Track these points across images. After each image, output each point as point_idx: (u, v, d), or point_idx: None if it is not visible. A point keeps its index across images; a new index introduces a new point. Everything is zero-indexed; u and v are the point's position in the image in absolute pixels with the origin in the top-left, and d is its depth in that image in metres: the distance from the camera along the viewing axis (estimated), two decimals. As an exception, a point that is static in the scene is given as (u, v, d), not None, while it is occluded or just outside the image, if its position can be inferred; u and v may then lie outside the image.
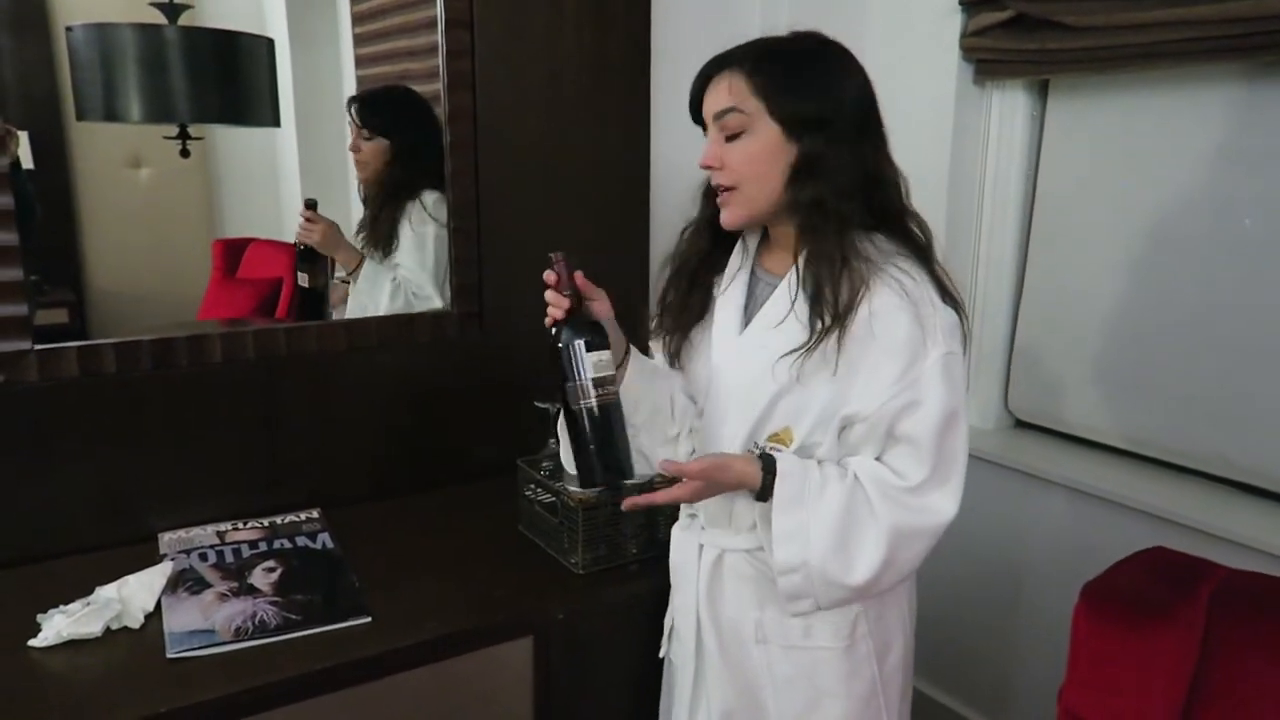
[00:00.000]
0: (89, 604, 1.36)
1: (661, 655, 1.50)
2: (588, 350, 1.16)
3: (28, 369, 1.50)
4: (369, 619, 1.39)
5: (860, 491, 1.17)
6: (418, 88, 1.87)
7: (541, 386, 1.53)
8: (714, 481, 1.19)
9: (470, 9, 1.78)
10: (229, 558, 1.56)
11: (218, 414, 1.68)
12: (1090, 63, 1.77)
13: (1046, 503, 1.95)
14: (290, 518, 1.72)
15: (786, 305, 1.20)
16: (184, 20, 1.69)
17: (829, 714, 1.30)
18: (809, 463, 1.20)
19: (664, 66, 2.06)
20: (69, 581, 1.43)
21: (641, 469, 1.31)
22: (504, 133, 1.87)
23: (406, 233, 1.89)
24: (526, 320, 1.89)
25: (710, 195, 1.27)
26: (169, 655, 1.28)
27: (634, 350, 1.38)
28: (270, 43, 1.81)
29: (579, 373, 1.16)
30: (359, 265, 1.89)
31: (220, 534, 1.65)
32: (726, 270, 1.32)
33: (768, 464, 1.19)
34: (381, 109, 1.90)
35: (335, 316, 1.90)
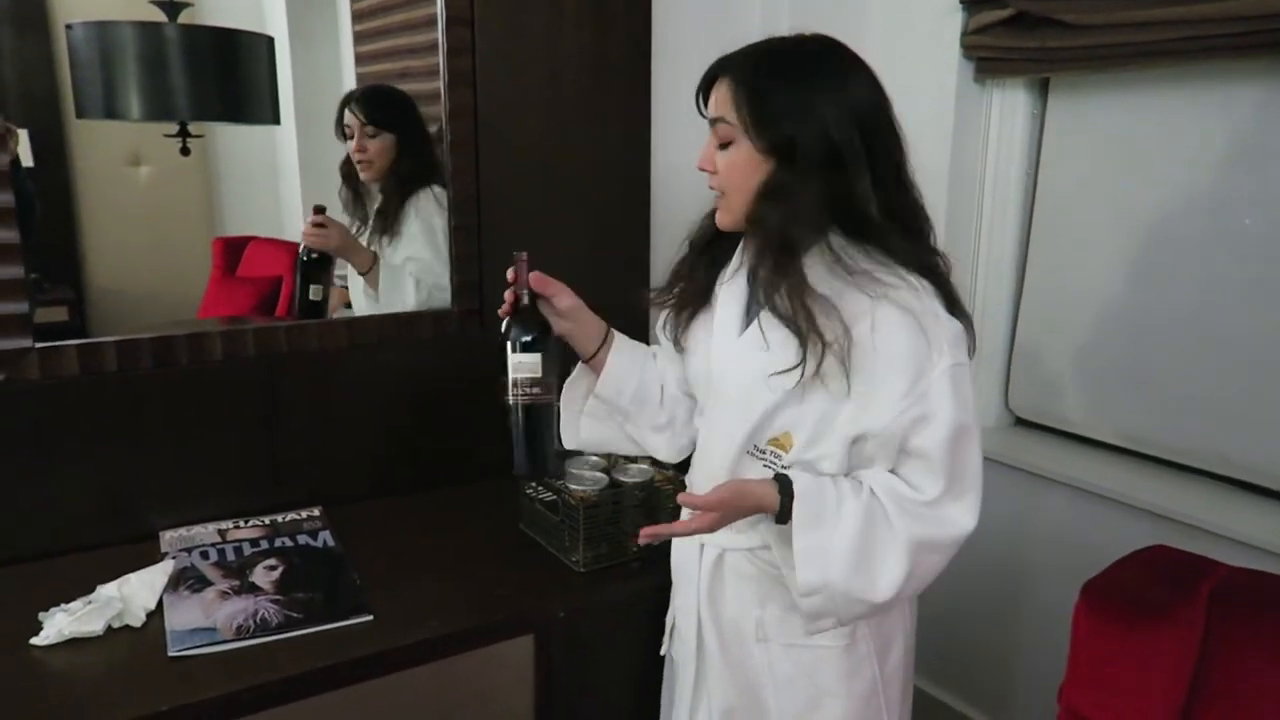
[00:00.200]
0: (90, 602, 1.36)
1: (663, 653, 1.50)
2: (514, 351, 1.26)
3: (28, 367, 1.50)
4: (370, 617, 1.39)
5: (878, 507, 1.16)
6: (418, 85, 1.87)
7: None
8: (733, 510, 1.18)
9: (471, 7, 1.78)
10: (230, 556, 1.56)
11: (219, 412, 1.68)
12: (1091, 61, 1.76)
13: (1047, 501, 1.95)
14: (291, 516, 1.72)
15: (774, 322, 1.20)
16: (184, 18, 1.69)
17: (830, 713, 1.30)
18: (824, 481, 1.18)
19: (664, 65, 2.06)
20: (70, 580, 1.43)
21: (621, 448, 1.44)
22: (504, 130, 1.87)
23: (417, 225, 1.89)
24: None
25: None
26: (170, 653, 1.28)
27: (617, 336, 1.41)
28: (270, 40, 1.81)
29: (507, 371, 1.26)
30: (374, 265, 1.89)
31: (221, 532, 1.65)
32: (731, 263, 1.32)
33: (784, 485, 1.17)
34: (385, 105, 1.90)
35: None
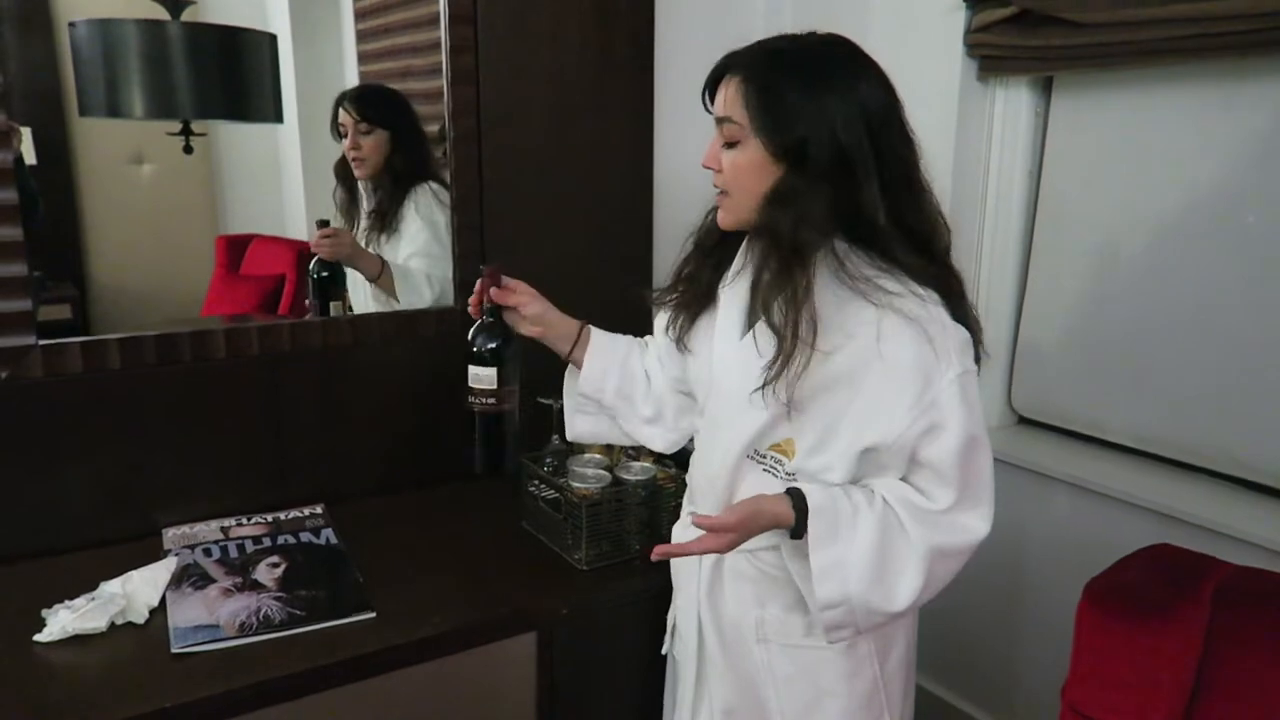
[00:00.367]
0: (93, 599, 1.36)
1: (664, 652, 1.50)
2: (469, 363, 1.38)
3: (32, 364, 1.50)
4: (373, 615, 1.39)
5: (892, 517, 1.16)
6: (420, 84, 1.87)
7: (544, 382, 1.53)
8: (748, 530, 1.17)
9: (473, 4, 1.78)
10: (233, 553, 1.56)
11: (221, 410, 1.68)
12: (1094, 59, 1.76)
13: (1050, 499, 1.95)
14: (294, 513, 1.73)
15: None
16: (186, 16, 1.69)
17: (830, 712, 1.30)
18: (837, 494, 1.17)
19: (667, 62, 2.06)
20: (74, 576, 1.43)
21: (616, 440, 1.47)
22: (507, 128, 1.87)
23: (419, 221, 1.89)
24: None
25: None
26: (173, 650, 1.28)
27: (594, 334, 1.44)
28: (273, 38, 1.81)
29: (467, 379, 1.38)
30: (383, 270, 1.89)
31: (224, 529, 1.65)
32: (733, 264, 1.31)
33: (798, 500, 1.16)
34: (378, 102, 1.90)
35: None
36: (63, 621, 1.31)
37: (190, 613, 1.37)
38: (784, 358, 1.12)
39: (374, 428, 1.84)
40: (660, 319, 1.42)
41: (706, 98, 1.21)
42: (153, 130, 1.78)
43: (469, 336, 1.39)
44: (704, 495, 1.33)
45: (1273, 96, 1.61)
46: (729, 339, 1.27)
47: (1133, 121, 1.82)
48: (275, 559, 1.55)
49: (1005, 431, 2.15)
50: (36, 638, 1.30)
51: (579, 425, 1.46)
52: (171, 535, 1.62)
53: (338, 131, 1.87)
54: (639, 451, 1.70)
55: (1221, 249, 1.70)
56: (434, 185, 1.89)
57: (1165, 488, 1.79)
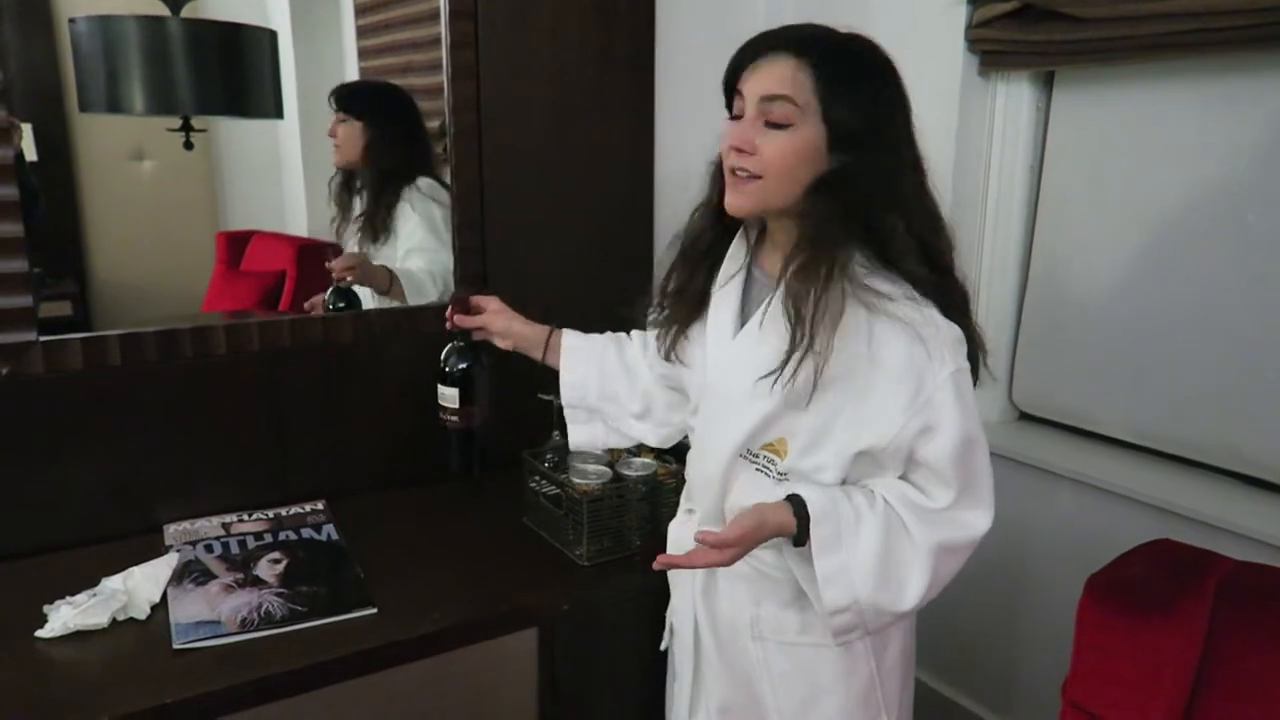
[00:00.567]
0: (95, 595, 1.36)
1: (662, 648, 1.50)
2: (438, 381, 1.55)
3: (33, 361, 1.50)
4: (374, 610, 1.39)
5: (895, 518, 1.15)
6: (421, 79, 1.87)
7: (545, 379, 1.53)
8: (751, 543, 1.16)
9: (474, 0, 1.78)
10: (234, 549, 1.56)
11: (222, 406, 1.68)
12: (1096, 54, 1.76)
13: (1051, 495, 1.95)
14: (295, 509, 1.73)
15: (777, 315, 1.17)
16: (186, 12, 1.69)
17: (827, 710, 1.30)
18: (838, 496, 1.16)
19: (667, 58, 2.06)
20: (75, 573, 1.43)
21: (615, 442, 1.51)
22: (508, 124, 1.86)
23: (413, 219, 1.88)
24: (532, 310, 1.90)
25: (717, 177, 1.23)
26: (175, 646, 1.28)
27: (566, 338, 1.47)
28: (273, 34, 1.81)
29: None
30: (392, 281, 1.89)
31: (225, 525, 1.65)
32: (724, 266, 1.30)
33: (799, 508, 1.15)
34: (355, 91, 1.90)
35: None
36: (64, 617, 1.31)
37: (192, 609, 1.37)
38: (807, 342, 1.10)
39: (375, 424, 1.84)
40: (650, 330, 1.41)
41: (736, 77, 1.15)
42: (153, 126, 1.78)
43: (441, 356, 1.54)
44: (700, 493, 1.33)
45: (1275, 92, 1.61)
46: (723, 338, 1.26)
47: (1134, 117, 1.82)
48: (276, 555, 1.55)
49: (1006, 427, 2.15)
50: (38, 634, 1.30)
51: (577, 435, 1.50)
52: (173, 531, 1.62)
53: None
54: (640, 447, 1.70)
55: (1223, 244, 1.70)
56: (429, 181, 1.89)
57: (1167, 483, 1.78)
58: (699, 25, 2.12)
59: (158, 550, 1.54)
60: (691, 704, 1.42)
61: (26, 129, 1.57)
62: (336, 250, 1.92)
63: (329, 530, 1.65)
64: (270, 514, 1.70)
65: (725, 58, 1.19)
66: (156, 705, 1.17)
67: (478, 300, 1.52)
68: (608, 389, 1.46)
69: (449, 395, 1.54)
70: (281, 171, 1.97)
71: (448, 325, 1.51)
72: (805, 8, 2.15)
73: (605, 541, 1.58)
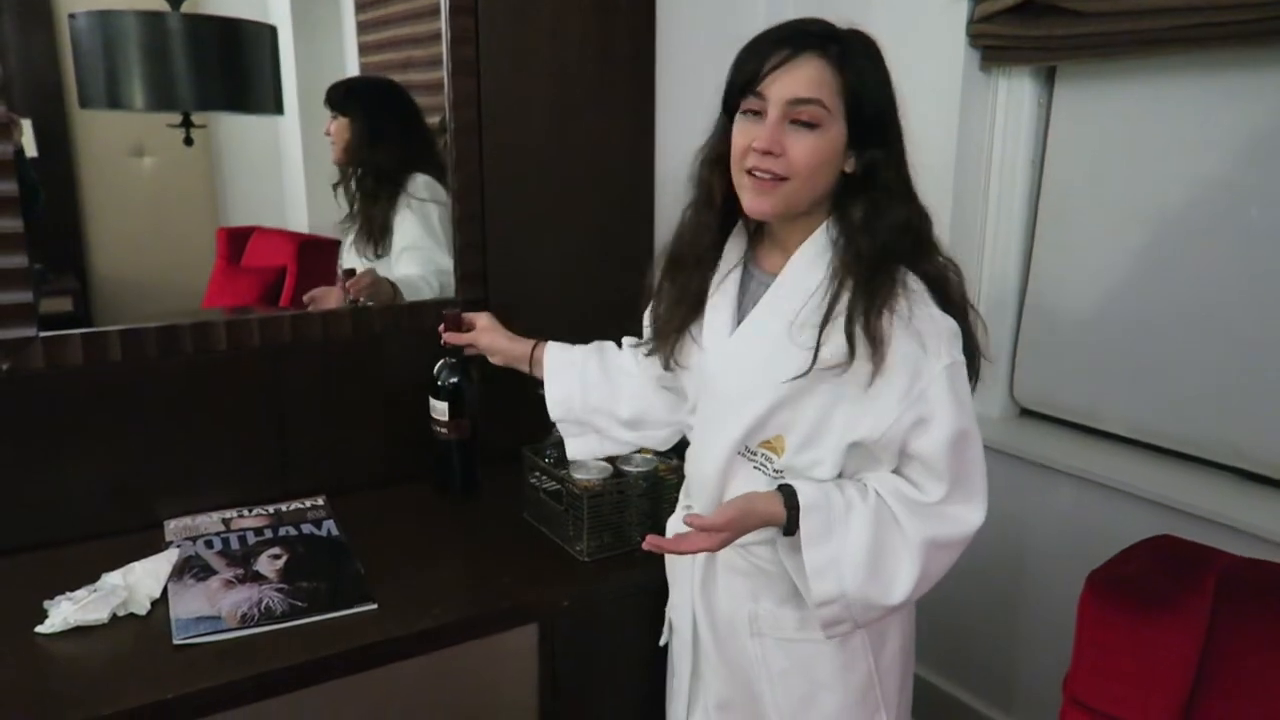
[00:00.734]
0: (95, 590, 1.36)
1: (661, 644, 1.51)
2: (430, 394, 1.66)
3: (33, 356, 1.50)
4: (374, 606, 1.39)
5: (886, 511, 1.16)
6: (421, 75, 1.87)
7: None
8: (739, 529, 1.17)
9: (474, -5, 1.78)
10: (234, 545, 1.57)
11: (223, 401, 1.68)
12: (1097, 49, 1.75)
13: (1052, 491, 1.95)
14: (295, 505, 1.73)
15: (786, 316, 1.17)
16: (187, 7, 1.69)
17: (825, 706, 1.30)
18: (830, 488, 1.16)
19: (668, 54, 2.05)
20: (75, 568, 1.43)
21: (612, 450, 1.55)
22: (508, 120, 1.86)
23: (409, 218, 1.88)
24: (532, 307, 1.90)
25: (717, 175, 1.22)
26: (175, 642, 1.28)
27: (548, 352, 1.51)
28: (273, 30, 1.80)
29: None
30: (396, 294, 1.89)
31: (226, 521, 1.65)
32: (720, 264, 1.29)
33: (790, 498, 1.15)
34: (344, 87, 1.89)
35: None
36: (64, 613, 1.31)
37: (192, 604, 1.37)
38: (879, 361, 1.11)
39: (375, 420, 1.84)
40: (645, 335, 1.41)
41: (755, 76, 1.13)
42: (153, 122, 1.78)
43: (434, 370, 1.64)
44: (698, 490, 1.33)
45: (1276, 87, 1.60)
46: (719, 335, 1.26)
47: (1136, 112, 1.82)
48: (277, 551, 1.55)
49: (1007, 423, 2.15)
50: (38, 629, 1.30)
51: (572, 448, 1.54)
52: (173, 527, 1.62)
53: None
54: (640, 443, 1.70)
55: (1225, 239, 1.70)
56: (427, 179, 1.88)
57: (1167, 479, 1.78)
58: (700, 23, 2.12)
59: (158, 546, 1.54)
60: (690, 700, 1.42)
61: (26, 124, 1.56)
62: (335, 246, 1.92)
63: (329, 526, 1.65)
64: (271, 509, 1.70)
65: (726, 56, 1.18)
66: (157, 701, 1.17)
67: (469, 317, 1.61)
68: (592, 400, 1.48)
69: (439, 408, 1.65)
70: (282, 167, 1.97)
71: (441, 341, 1.60)
72: (807, 2, 2.16)
73: (606, 537, 1.58)
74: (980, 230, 2.10)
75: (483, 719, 1.49)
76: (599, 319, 1.63)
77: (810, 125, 1.11)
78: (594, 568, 1.56)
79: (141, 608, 1.36)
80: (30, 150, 1.59)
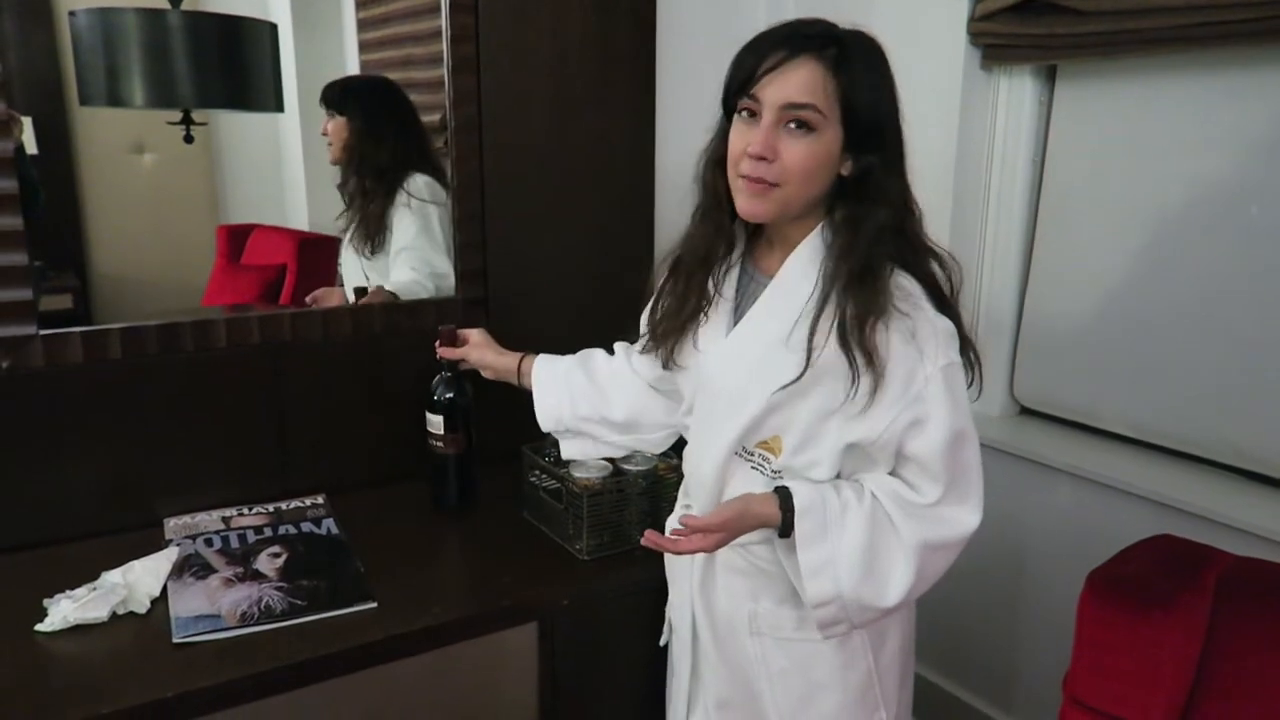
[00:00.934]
0: (95, 589, 1.36)
1: (661, 643, 1.51)
2: (425, 408, 1.66)
3: (33, 354, 1.50)
4: (374, 604, 1.39)
5: (881, 512, 1.16)
6: (421, 73, 1.86)
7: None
8: (735, 530, 1.17)
9: (474, -7, 1.77)
10: (234, 543, 1.57)
11: (223, 400, 1.68)
12: (1098, 48, 1.75)
13: (1052, 490, 1.95)
14: (295, 503, 1.73)
15: (782, 318, 1.17)
16: (187, 5, 1.68)
17: (824, 705, 1.30)
18: (825, 490, 1.17)
19: (669, 52, 2.05)
20: (75, 566, 1.43)
21: (609, 453, 1.55)
22: (508, 118, 1.86)
23: (407, 217, 1.87)
24: (532, 306, 1.90)
25: (720, 176, 1.22)
26: (175, 640, 1.28)
27: (535, 365, 1.52)
28: (273, 27, 1.80)
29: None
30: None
31: (225, 519, 1.65)
32: (721, 264, 1.29)
33: (785, 500, 1.16)
34: (340, 87, 1.88)
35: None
36: (64, 611, 1.31)
37: (192, 603, 1.37)
38: (875, 374, 1.11)
39: (375, 418, 1.84)
40: (641, 345, 1.41)
41: (750, 81, 1.12)
42: (153, 119, 1.78)
43: (431, 384, 1.65)
44: (696, 490, 1.33)
45: (1277, 86, 1.60)
46: (716, 337, 1.26)
47: (1137, 111, 1.82)
48: (276, 549, 1.55)
49: (1007, 421, 2.15)
50: (38, 627, 1.30)
51: (568, 449, 1.55)
52: (173, 525, 1.62)
53: None
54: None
55: (1226, 238, 1.70)
56: (426, 178, 1.88)
57: (1167, 478, 1.79)
58: (700, 22, 2.11)
59: (158, 544, 1.54)
60: (690, 699, 1.42)
61: (27, 122, 1.56)
62: (335, 244, 1.92)
63: (329, 524, 1.65)
64: (270, 508, 1.70)
65: (727, 55, 1.17)
66: (156, 699, 1.17)
67: (463, 333, 1.62)
68: (581, 410, 1.49)
69: (435, 422, 1.65)
70: (282, 165, 1.97)
71: (437, 356, 1.62)
72: (807, 1, 2.16)
73: (605, 536, 1.58)
74: (980, 229, 2.10)
75: (482, 718, 1.49)
76: (599, 318, 1.63)
77: (805, 129, 1.11)
78: (594, 566, 1.55)
79: (141, 606, 1.36)
80: (30, 148, 1.59)
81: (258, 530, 1.61)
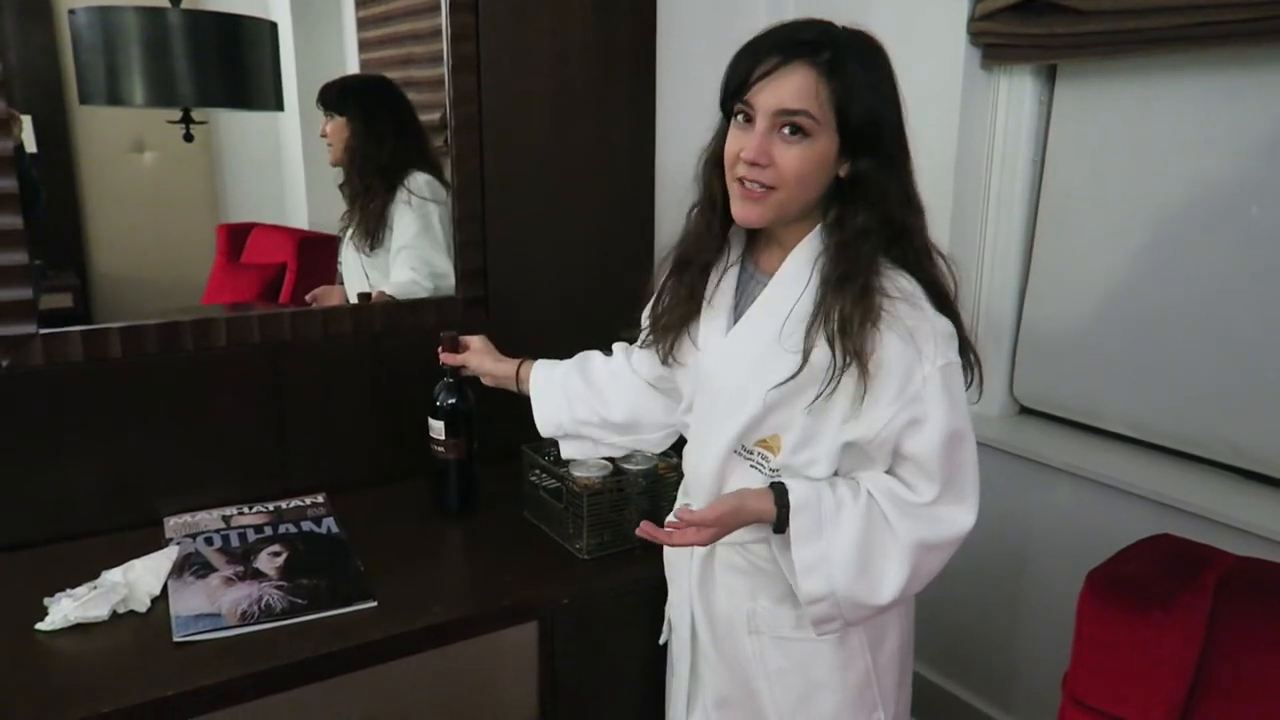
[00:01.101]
0: (96, 588, 1.36)
1: (661, 642, 1.51)
2: (428, 414, 1.66)
3: (33, 353, 1.50)
4: (374, 603, 1.39)
5: (876, 510, 1.16)
6: (421, 72, 1.86)
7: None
8: (730, 525, 1.17)
9: (475, -8, 1.77)
10: (234, 542, 1.57)
11: (223, 398, 1.68)
12: (1099, 48, 1.75)
13: (1052, 490, 1.95)
14: (295, 502, 1.73)
15: (780, 318, 1.18)
16: (187, 3, 1.68)
17: (823, 705, 1.30)
18: (821, 487, 1.17)
19: (669, 52, 2.05)
20: (75, 565, 1.43)
21: (609, 453, 1.56)
22: (508, 117, 1.86)
23: (408, 215, 1.87)
24: (532, 305, 1.90)
25: (717, 176, 1.22)
26: (175, 639, 1.28)
27: (534, 371, 1.52)
28: (273, 26, 1.80)
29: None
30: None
31: (226, 518, 1.65)
32: (720, 262, 1.29)
33: (780, 496, 1.16)
34: (336, 87, 1.88)
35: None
36: (65, 610, 1.31)
37: (192, 601, 1.37)
38: (859, 371, 1.11)
39: (376, 417, 1.84)
40: (642, 339, 1.41)
41: (745, 86, 1.12)
42: (153, 118, 1.77)
43: (434, 390, 1.65)
44: (696, 488, 1.33)
45: (1277, 87, 1.60)
46: (715, 336, 1.26)
47: (1137, 111, 1.82)
48: (277, 548, 1.55)
49: (1007, 421, 2.15)
50: (38, 626, 1.30)
51: (567, 449, 1.55)
52: (173, 524, 1.62)
53: None
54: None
55: (1226, 238, 1.70)
56: (426, 178, 1.88)
57: (1167, 478, 1.79)
58: (700, 22, 2.11)
59: (158, 543, 1.54)
60: (689, 698, 1.42)
61: (26, 121, 1.56)
62: (335, 243, 1.92)
63: (329, 523, 1.65)
64: (271, 507, 1.70)
65: (727, 55, 1.17)
66: (157, 698, 1.17)
67: (465, 339, 1.62)
68: (579, 414, 1.50)
69: (437, 428, 1.66)
70: (282, 163, 1.97)
71: (439, 363, 1.62)
72: (807, 1, 2.16)
73: (605, 535, 1.58)
74: (980, 229, 2.10)
75: (482, 717, 1.50)
76: (599, 317, 1.62)
77: (799, 135, 1.11)
78: (594, 566, 1.56)
79: (142, 605, 1.36)
80: (30, 146, 1.59)
81: (258, 529, 1.61)
